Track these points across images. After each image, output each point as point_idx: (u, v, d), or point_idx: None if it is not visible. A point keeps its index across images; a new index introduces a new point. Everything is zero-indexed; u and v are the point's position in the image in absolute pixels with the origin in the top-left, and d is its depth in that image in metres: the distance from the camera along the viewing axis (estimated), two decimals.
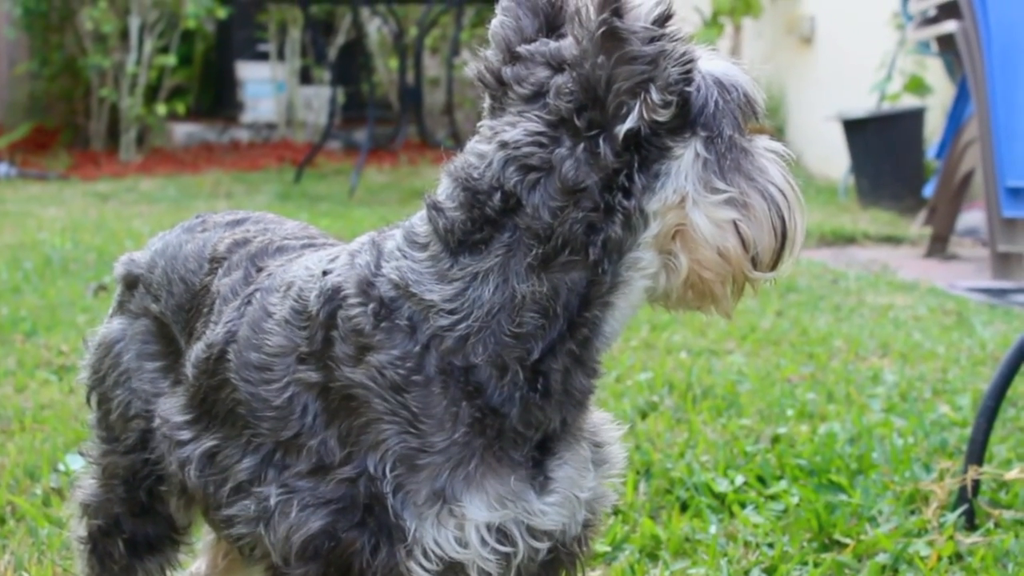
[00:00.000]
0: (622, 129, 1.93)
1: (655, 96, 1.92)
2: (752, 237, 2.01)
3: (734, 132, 2.01)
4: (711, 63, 2.02)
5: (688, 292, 2.05)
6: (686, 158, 1.98)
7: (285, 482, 2.08)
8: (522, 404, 2.02)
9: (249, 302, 2.24)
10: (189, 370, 2.31)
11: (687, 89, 1.95)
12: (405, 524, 2.00)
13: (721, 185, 1.99)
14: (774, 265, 2.06)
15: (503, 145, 1.99)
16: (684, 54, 1.94)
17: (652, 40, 1.91)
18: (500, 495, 2.02)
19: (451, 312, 2.00)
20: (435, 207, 2.03)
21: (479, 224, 1.99)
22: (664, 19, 1.92)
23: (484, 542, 2.02)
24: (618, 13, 1.90)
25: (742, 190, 2.00)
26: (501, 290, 1.99)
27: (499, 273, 1.99)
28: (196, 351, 2.30)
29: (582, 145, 1.95)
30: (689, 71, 1.94)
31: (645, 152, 1.96)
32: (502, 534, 2.04)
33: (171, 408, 2.34)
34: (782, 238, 2.04)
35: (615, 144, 1.94)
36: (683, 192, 1.98)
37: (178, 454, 2.30)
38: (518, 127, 1.98)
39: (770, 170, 2.04)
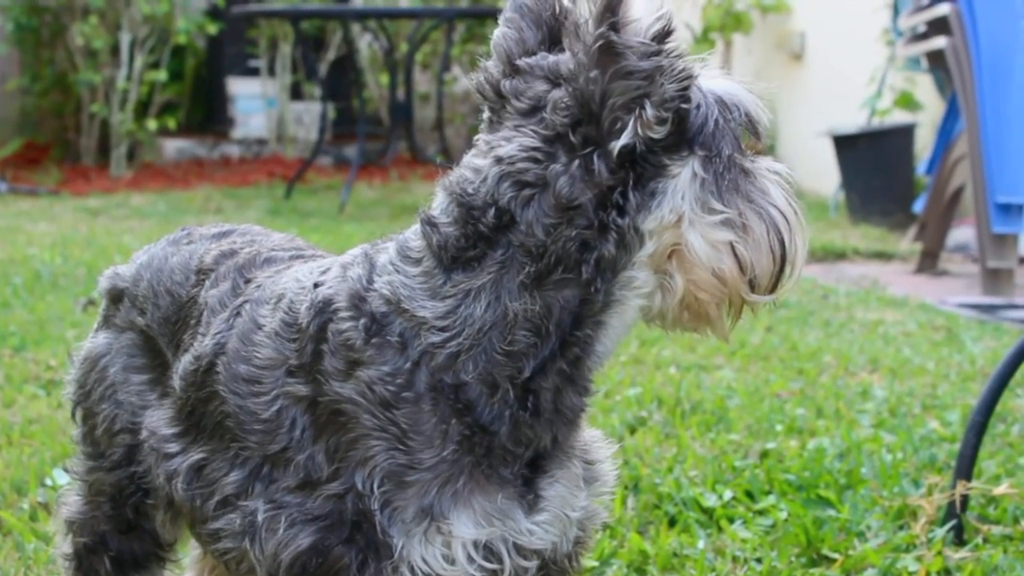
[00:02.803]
0: (616, 145, 1.91)
1: (650, 112, 1.89)
2: (750, 260, 1.99)
3: (734, 152, 1.98)
4: (714, 81, 2.00)
5: (684, 313, 2.03)
6: (683, 177, 1.95)
7: (272, 497, 2.07)
8: (512, 422, 2.00)
9: (238, 314, 2.22)
10: (177, 382, 2.30)
11: (683, 106, 1.92)
12: (392, 541, 1.99)
13: (718, 206, 1.96)
14: (773, 288, 2.03)
15: (498, 160, 1.96)
16: (682, 71, 1.91)
17: (649, 55, 1.88)
18: (487, 512, 2.01)
19: (442, 329, 1.98)
20: (429, 222, 2.01)
21: (472, 240, 1.97)
22: (663, 35, 1.90)
23: (471, 559, 2.00)
24: (616, 28, 1.87)
25: (741, 211, 1.98)
26: (493, 308, 1.96)
27: (491, 290, 1.96)
28: (184, 363, 2.28)
29: (577, 161, 1.92)
30: (686, 88, 1.92)
31: (641, 170, 1.94)
32: (489, 551, 2.02)
33: (159, 420, 2.33)
34: (781, 261, 2.01)
35: (610, 161, 1.92)
36: (679, 212, 1.95)
37: (165, 467, 2.28)
38: (513, 142, 1.96)
39: (772, 192, 2.02)
